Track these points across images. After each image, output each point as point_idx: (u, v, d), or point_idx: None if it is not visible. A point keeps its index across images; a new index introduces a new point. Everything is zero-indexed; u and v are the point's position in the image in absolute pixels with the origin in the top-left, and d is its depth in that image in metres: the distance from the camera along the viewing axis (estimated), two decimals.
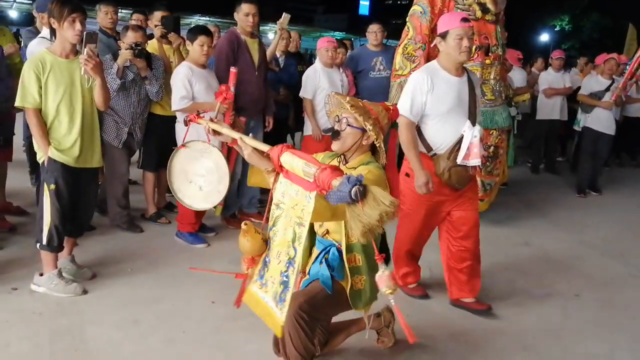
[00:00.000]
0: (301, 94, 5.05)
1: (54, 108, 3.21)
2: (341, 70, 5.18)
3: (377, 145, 2.23)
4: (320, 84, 4.92)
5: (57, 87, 3.20)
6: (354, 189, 1.67)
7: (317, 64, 5.09)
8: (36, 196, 3.39)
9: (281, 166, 1.98)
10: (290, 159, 1.93)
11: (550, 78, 7.39)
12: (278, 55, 5.66)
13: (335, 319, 2.77)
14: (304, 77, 5.06)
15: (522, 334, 3.17)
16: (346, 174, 1.78)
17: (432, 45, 3.58)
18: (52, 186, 3.25)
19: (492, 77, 4.87)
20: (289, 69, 5.68)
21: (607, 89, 6.38)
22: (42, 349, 2.76)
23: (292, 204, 1.93)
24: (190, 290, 3.48)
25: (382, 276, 1.91)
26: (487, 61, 4.82)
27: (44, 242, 3.27)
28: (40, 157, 3.30)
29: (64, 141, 3.26)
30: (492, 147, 4.88)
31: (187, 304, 3.29)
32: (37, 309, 3.13)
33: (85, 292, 3.34)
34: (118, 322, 3.04)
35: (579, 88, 6.98)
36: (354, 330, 2.79)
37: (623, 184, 7.21)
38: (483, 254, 4.34)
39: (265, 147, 2.09)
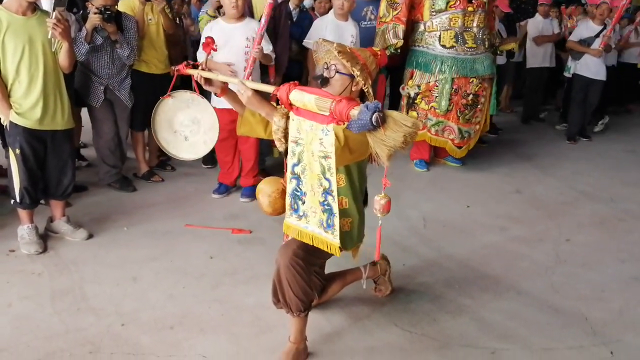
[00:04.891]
0: (304, 42, 4.82)
1: (13, 69, 3.13)
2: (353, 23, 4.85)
3: (365, 90, 2.23)
4: (325, 36, 4.47)
5: (16, 47, 3.10)
6: (374, 116, 1.69)
7: (330, 15, 4.80)
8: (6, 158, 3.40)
9: (290, 104, 1.98)
10: (300, 96, 1.94)
11: (540, 25, 7.23)
12: (292, 8, 5.45)
13: (331, 269, 2.83)
14: (313, 25, 4.83)
15: (514, 278, 3.24)
16: (362, 102, 1.79)
17: None
18: (17, 151, 3.24)
19: (474, 24, 4.83)
20: (301, 24, 5.19)
21: (598, 35, 6.31)
22: (44, 308, 2.79)
23: (309, 140, 1.94)
24: (187, 246, 3.52)
25: (381, 201, 2.06)
26: (470, 8, 4.76)
27: (17, 199, 3.35)
28: (4, 121, 3.26)
29: (24, 103, 3.19)
30: (470, 95, 4.89)
31: (185, 261, 3.33)
32: (36, 270, 3.16)
33: (45, 250, 3.37)
34: (118, 280, 3.08)
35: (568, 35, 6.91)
36: (350, 279, 2.85)
37: (612, 130, 7.25)
38: (474, 202, 4.44)
39: (270, 88, 2.10)
